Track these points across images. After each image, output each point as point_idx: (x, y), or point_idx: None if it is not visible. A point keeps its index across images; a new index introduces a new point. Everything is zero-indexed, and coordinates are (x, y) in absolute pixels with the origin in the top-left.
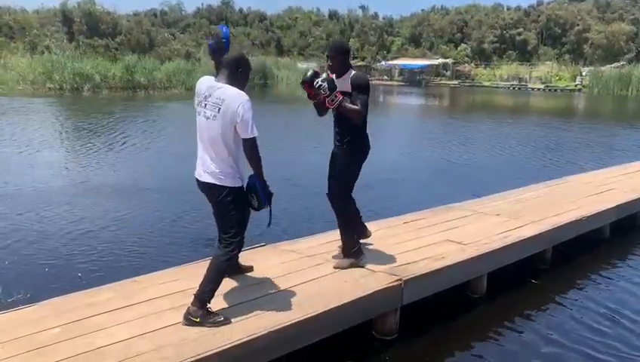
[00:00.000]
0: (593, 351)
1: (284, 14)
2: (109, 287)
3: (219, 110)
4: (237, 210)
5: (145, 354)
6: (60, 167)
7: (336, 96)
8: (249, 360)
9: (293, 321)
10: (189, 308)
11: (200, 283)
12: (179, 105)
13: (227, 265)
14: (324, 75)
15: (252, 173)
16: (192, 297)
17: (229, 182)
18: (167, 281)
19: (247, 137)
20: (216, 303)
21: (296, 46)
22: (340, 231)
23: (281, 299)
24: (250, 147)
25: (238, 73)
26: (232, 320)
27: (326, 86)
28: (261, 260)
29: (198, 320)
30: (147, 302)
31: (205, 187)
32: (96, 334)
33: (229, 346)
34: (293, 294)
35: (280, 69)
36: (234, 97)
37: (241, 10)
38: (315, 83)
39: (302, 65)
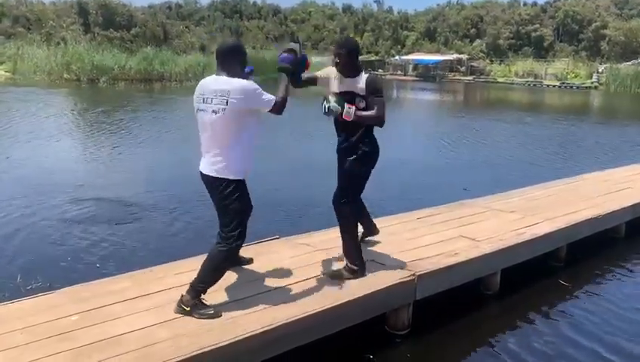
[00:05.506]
0: (607, 350)
1: (298, 8)
2: (126, 276)
3: (227, 102)
4: (237, 203)
5: (163, 343)
6: (80, 158)
7: (350, 108)
8: (264, 351)
9: (307, 314)
10: (182, 295)
11: (197, 272)
12: None
13: (225, 258)
14: (330, 98)
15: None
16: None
17: (230, 175)
18: (182, 272)
19: (271, 108)
20: (230, 295)
21: (310, 40)
22: (342, 237)
23: (294, 292)
24: (278, 109)
25: (234, 60)
26: (247, 311)
27: (336, 105)
28: (275, 253)
29: (188, 309)
30: (163, 292)
31: (207, 180)
32: (114, 322)
33: (244, 337)
34: (306, 287)
35: None
36: (241, 89)
37: (255, 4)
38: (323, 108)
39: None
